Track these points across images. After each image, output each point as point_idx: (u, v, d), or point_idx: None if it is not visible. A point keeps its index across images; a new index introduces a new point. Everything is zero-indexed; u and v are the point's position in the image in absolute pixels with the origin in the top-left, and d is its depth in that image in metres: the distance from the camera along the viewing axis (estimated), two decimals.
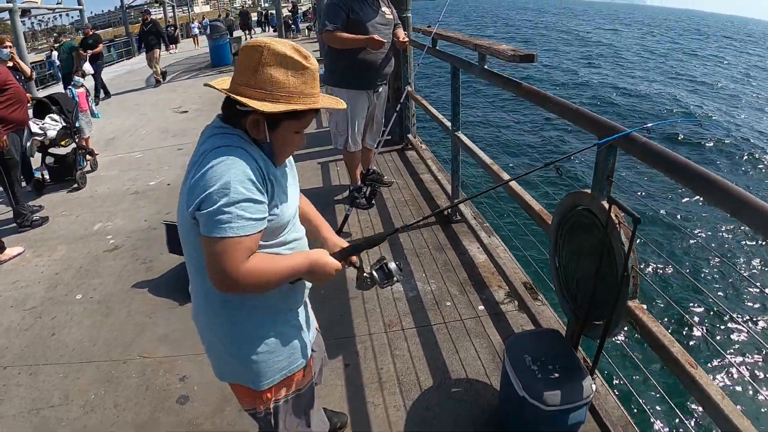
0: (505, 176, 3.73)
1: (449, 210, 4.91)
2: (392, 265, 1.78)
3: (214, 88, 1.53)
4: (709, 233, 9.63)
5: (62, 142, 6.74)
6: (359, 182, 4.79)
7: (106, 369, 3.39)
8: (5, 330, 3.90)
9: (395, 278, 1.79)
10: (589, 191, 2.35)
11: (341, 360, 3.22)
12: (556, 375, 2.30)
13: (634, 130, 2.05)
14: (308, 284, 1.83)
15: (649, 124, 2.09)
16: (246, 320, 1.67)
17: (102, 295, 4.25)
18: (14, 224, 5.72)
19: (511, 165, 11.02)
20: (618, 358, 5.14)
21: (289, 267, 1.54)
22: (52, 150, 6.80)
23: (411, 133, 7.02)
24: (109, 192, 6.62)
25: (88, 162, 7.41)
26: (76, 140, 6.99)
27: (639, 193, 10.46)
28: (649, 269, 7.97)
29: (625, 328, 2.28)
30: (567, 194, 2.55)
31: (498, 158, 4.04)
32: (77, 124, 7.01)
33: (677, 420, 4.86)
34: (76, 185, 6.83)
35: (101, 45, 13.24)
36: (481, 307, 3.66)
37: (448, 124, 4.84)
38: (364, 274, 1.81)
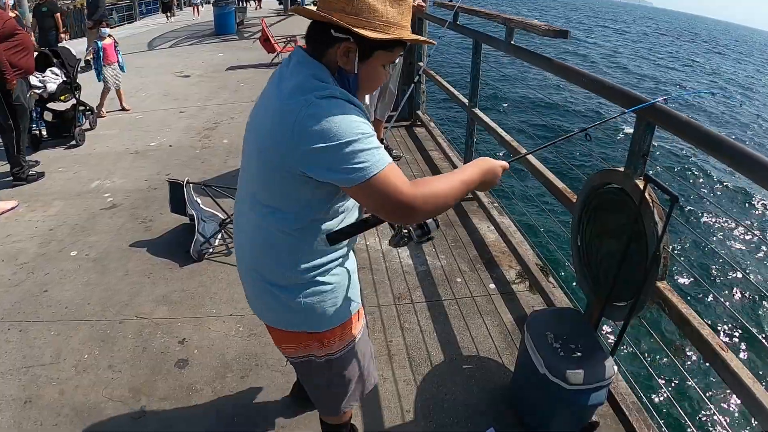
0: (521, 149, 3.62)
1: None
2: (432, 225, 1.70)
3: (308, 11, 1.40)
4: (747, 215, 9.34)
5: (62, 97, 6.56)
6: None
7: (101, 328, 3.24)
8: None
9: (432, 235, 1.71)
10: (622, 169, 2.26)
11: None
12: (579, 354, 2.24)
13: (657, 100, 2.01)
14: None
15: (673, 94, 2.01)
16: (311, 263, 1.57)
17: (98, 253, 4.08)
18: (8, 178, 5.53)
19: (530, 143, 10.81)
20: (632, 340, 5.06)
21: (460, 180, 1.46)
22: (51, 105, 6.65)
23: (420, 109, 6.85)
24: (109, 150, 6.42)
25: (88, 120, 7.21)
26: (77, 96, 6.81)
27: (674, 171, 10.21)
28: (679, 250, 7.79)
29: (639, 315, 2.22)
30: (597, 172, 2.46)
31: (517, 139, 3.90)
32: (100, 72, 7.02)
33: (692, 404, 4.74)
34: (74, 142, 6.65)
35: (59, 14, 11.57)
36: (492, 286, 3.54)
37: (465, 100, 4.76)
38: (403, 231, 1.71)
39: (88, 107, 7.20)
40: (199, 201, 4.25)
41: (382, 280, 3.58)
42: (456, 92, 5.21)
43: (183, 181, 4.15)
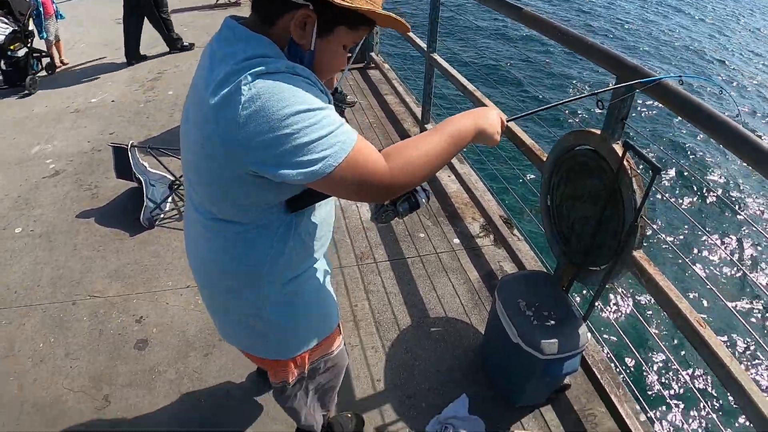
0: (488, 102, 3.43)
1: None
2: (421, 197, 1.47)
3: None
4: (725, 191, 9.11)
5: (11, 47, 6.29)
6: None
7: (54, 312, 3.10)
8: None
9: (420, 206, 1.50)
10: (598, 132, 2.13)
11: None
12: (552, 322, 2.18)
13: (669, 77, 1.82)
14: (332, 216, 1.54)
15: (683, 75, 1.84)
16: (279, 277, 1.38)
17: (44, 227, 3.87)
18: None
19: (496, 95, 9.89)
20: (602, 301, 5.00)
21: (448, 135, 1.22)
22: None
23: (374, 51, 6.51)
24: (48, 110, 6.03)
25: (43, 67, 7.02)
26: (29, 44, 6.56)
27: (648, 137, 9.79)
28: (656, 220, 7.55)
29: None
30: (570, 131, 2.31)
31: (483, 92, 3.65)
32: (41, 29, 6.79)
33: (664, 369, 4.76)
34: (26, 91, 6.44)
35: None
36: (456, 241, 3.45)
37: (423, 44, 4.46)
38: (386, 204, 1.48)
39: (44, 53, 7.01)
40: (146, 164, 4.04)
41: (342, 239, 3.47)
42: (413, 35, 4.84)
43: (127, 145, 3.91)
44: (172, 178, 3.98)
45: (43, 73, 7.04)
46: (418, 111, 4.83)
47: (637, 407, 2.36)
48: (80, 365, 2.76)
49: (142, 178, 3.83)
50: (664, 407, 4.34)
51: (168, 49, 7.77)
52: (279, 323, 1.44)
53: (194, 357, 2.73)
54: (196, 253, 1.42)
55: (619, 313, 5.02)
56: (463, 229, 3.56)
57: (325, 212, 1.42)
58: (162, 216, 3.85)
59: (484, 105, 3.28)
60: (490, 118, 1.32)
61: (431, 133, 1.21)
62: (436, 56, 4.25)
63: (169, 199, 3.94)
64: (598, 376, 2.46)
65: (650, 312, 5.11)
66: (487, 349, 2.59)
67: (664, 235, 6.13)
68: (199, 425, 2.45)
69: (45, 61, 7.12)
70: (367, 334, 2.76)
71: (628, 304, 4.29)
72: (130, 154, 3.88)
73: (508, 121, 1.41)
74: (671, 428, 4.25)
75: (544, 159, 2.63)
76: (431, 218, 3.67)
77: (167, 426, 2.45)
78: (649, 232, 2.01)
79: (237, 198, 1.18)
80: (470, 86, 3.66)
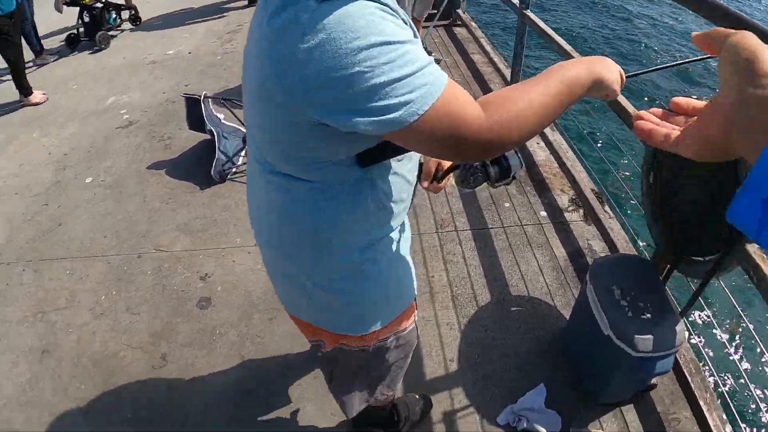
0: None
1: None
2: (514, 162, 1.20)
3: None
4: None
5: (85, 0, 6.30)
6: None
7: (118, 264, 2.99)
8: (7, 220, 3.49)
9: (514, 175, 1.23)
10: None
11: None
12: (648, 315, 1.89)
13: None
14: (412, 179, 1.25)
15: None
16: (351, 244, 1.15)
17: (114, 177, 3.78)
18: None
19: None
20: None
21: (559, 82, 0.92)
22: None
23: (461, 8, 6.10)
24: (124, 62, 5.99)
25: (121, 21, 6.97)
26: None
27: None
28: None
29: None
30: None
31: (580, 50, 3.21)
32: None
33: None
34: (96, 47, 6.42)
35: None
36: (543, 213, 3.11)
37: (516, 0, 4.10)
38: (475, 164, 1.21)
39: (123, 6, 6.98)
40: (220, 116, 3.87)
41: (422, 203, 3.20)
42: None
43: (200, 96, 3.75)
44: (245, 131, 3.80)
45: (128, 25, 7.05)
46: (507, 72, 4.45)
47: (724, 416, 2.07)
48: (140, 321, 2.64)
49: (214, 130, 3.67)
50: (760, 424, 3.77)
51: (247, 2, 7.59)
52: (350, 296, 1.21)
53: (258, 320, 2.55)
54: (258, 212, 1.21)
55: (717, 310, 4.47)
56: (551, 201, 3.21)
57: (406, 170, 1.15)
58: (234, 170, 3.68)
59: None
60: (608, 65, 1.01)
61: (538, 81, 0.92)
62: (529, 13, 3.86)
63: (242, 153, 3.78)
64: (688, 378, 2.15)
65: (757, 314, 4.51)
66: (571, 336, 2.29)
67: None
68: (256, 393, 2.27)
69: (126, 13, 7.07)
70: (443, 308, 2.50)
71: (729, 301, 3.73)
72: (203, 106, 3.72)
73: (627, 77, 1.07)
74: None
75: None
76: (518, 187, 3.34)
77: (224, 390, 2.28)
78: None
79: (300, 151, 0.96)
80: (568, 47, 3.25)
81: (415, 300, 1.42)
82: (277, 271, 1.28)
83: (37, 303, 2.81)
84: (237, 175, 3.67)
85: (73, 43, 6.48)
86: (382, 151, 1.00)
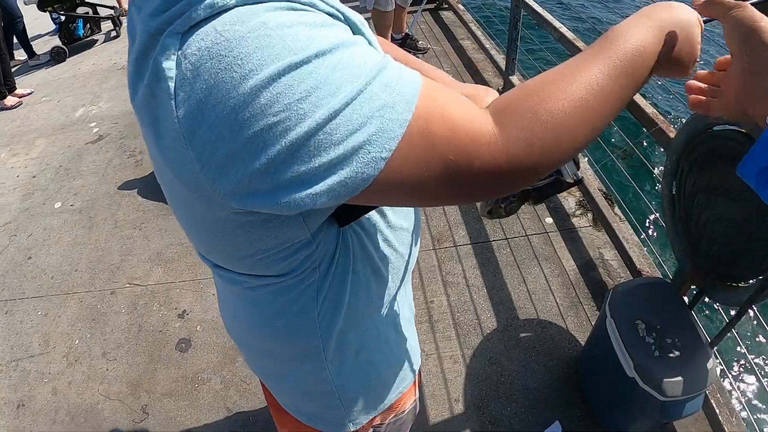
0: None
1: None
2: (567, 172, 0.86)
3: None
4: None
5: (48, 8, 5.88)
6: None
7: (91, 302, 2.78)
8: None
9: (572, 180, 0.88)
10: None
11: None
12: (676, 353, 1.68)
13: None
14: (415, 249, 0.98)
15: None
16: (344, 338, 0.89)
17: (84, 201, 3.54)
18: None
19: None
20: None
21: (616, 66, 0.59)
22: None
23: None
24: (94, 68, 5.71)
25: (92, 32, 6.51)
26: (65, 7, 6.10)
27: None
28: None
29: None
30: None
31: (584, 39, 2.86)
32: None
33: None
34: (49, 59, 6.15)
35: None
36: (549, 220, 2.87)
37: None
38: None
39: (97, 16, 6.48)
40: None
41: None
42: None
43: None
44: None
45: (101, 37, 6.61)
46: (500, 59, 4.13)
47: None
48: (117, 368, 2.43)
49: None
50: None
51: None
52: (347, 391, 0.97)
53: (242, 363, 2.34)
54: (225, 308, 0.97)
55: (744, 332, 4.06)
56: (557, 205, 2.96)
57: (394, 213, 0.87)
58: None
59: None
60: (684, 18, 0.66)
61: (584, 65, 0.59)
62: None
63: None
64: (716, 410, 1.96)
65: None
66: (589, 373, 2.08)
67: None
68: None
69: (107, 23, 6.59)
70: (445, 338, 2.28)
71: (758, 325, 3.37)
72: None
73: (706, 22, 0.70)
74: None
75: (672, 136, 2.02)
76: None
77: None
78: None
79: (248, 248, 0.68)
80: (568, 33, 2.91)
81: (419, 373, 1.20)
82: (260, 368, 1.05)
83: (10, 349, 2.62)
84: None
85: (59, 55, 6.09)
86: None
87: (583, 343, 2.21)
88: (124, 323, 2.63)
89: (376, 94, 0.51)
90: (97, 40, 6.45)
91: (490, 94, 0.95)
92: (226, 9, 0.50)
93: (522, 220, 2.84)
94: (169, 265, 2.92)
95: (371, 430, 1.15)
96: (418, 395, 1.27)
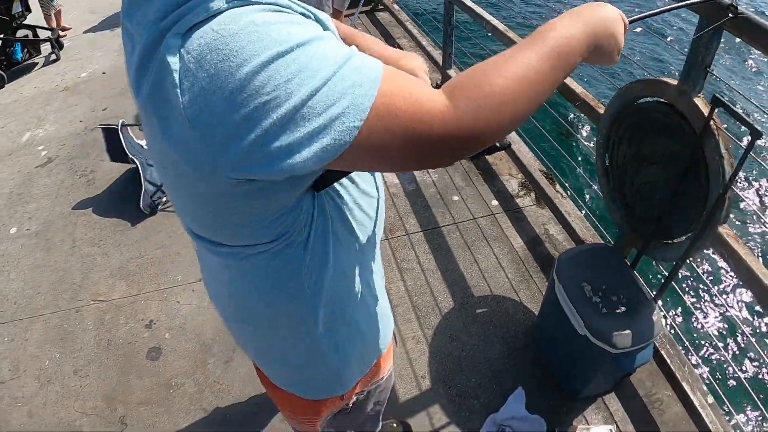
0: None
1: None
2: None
3: None
4: None
5: None
6: None
7: (57, 323, 2.80)
8: None
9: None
10: (675, 82, 1.71)
11: None
12: (622, 308, 1.84)
13: None
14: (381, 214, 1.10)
15: None
16: (321, 303, 0.98)
17: (39, 224, 3.54)
18: None
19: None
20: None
21: (551, 51, 0.73)
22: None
23: None
24: (37, 91, 5.62)
25: (31, 56, 6.30)
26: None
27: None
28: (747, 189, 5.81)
29: None
30: (637, 80, 1.87)
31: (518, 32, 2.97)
32: None
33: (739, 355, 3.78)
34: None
35: None
36: (495, 202, 3.03)
37: None
38: None
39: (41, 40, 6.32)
40: (141, 143, 3.64)
41: None
42: None
43: (117, 126, 3.52)
44: None
45: (41, 60, 6.41)
46: (437, 55, 4.27)
47: (705, 388, 2.06)
48: (90, 383, 2.47)
49: (137, 160, 3.46)
50: (742, 400, 3.57)
51: None
52: (338, 349, 1.07)
53: (213, 365, 2.41)
54: (216, 289, 1.05)
55: (688, 286, 4.31)
56: (500, 188, 3.12)
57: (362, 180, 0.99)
58: (165, 199, 3.47)
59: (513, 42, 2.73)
60: (607, 16, 0.82)
61: (521, 50, 0.72)
62: None
63: None
64: (667, 359, 2.13)
65: (728, 290, 4.34)
66: (544, 337, 2.24)
67: (755, 207, 5.12)
68: None
69: (44, 47, 6.44)
70: (405, 321, 2.40)
71: (698, 277, 3.60)
72: (121, 135, 3.50)
73: (631, 22, 0.89)
74: (747, 422, 3.53)
75: (601, 112, 2.18)
76: (463, 176, 3.24)
77: None
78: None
79: (246, 217, 0.79)
80: (500, 25, 3.06)
81: (391, 344, 1.31)
82: (246, 341, 1.14)
83: None
84: (168, 205, 3.46)
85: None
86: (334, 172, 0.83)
87: (536, 314, 2.36)
88: (93, 339, 2.66)
89: (347, 76, 0.64)
90: (37, 63, 6.31)
91: (414, 59, 1.12)
92: (220, 12, 0.63)
93: (468, 205, 2.99)
94: (132, 278, 2.96)
95: (355, 398, 1.25)
96: (392, 364, 1.38)
